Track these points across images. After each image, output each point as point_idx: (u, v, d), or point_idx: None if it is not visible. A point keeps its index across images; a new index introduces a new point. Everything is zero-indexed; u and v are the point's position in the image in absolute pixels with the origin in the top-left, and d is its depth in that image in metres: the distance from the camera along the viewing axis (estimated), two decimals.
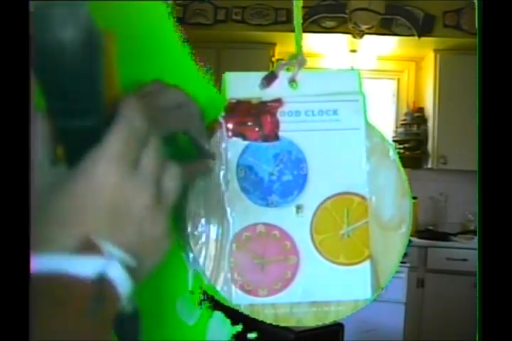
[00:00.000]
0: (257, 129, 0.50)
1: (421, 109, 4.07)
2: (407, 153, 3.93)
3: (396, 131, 4.12)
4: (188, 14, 3.71)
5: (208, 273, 0.49)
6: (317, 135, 0.51)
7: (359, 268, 0.51)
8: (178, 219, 0.50)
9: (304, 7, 0.52)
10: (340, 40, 3.82)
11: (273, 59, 3.90)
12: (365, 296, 0.51)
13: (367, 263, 0.51)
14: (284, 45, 3.84)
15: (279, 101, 0.51)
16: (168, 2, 0.51)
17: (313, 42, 3.77)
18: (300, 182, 0.51)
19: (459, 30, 3.61)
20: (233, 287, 0.49)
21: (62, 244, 0.31)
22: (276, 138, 0.50)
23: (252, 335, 0.57)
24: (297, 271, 0.50)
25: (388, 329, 3.26)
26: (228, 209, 0.50)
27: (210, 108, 0.50)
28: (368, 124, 0.52)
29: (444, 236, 3.68)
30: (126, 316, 0.34)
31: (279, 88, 0.51)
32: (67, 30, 0.27)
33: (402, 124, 4.09)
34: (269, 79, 0.51)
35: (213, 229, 0.49)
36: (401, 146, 3.95)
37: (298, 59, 0.51)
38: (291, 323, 0.51)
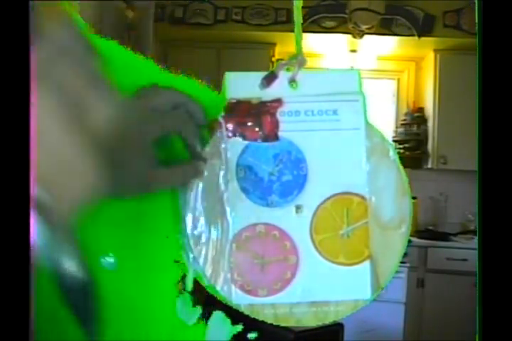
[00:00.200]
0: (256, 129, 0.50)
1: (421, 109, 4.07)
2: (407, 153, 3.94)
3: (396, 131, 4.13)
4: (188, 14, 3.72)
5: (207, 273, 0.49)
6: (317, 135, 0.51)
7: (359, 268, 0.51)
8: (178, 219, 0.50)
9: (303, 7, 0.52)
10: (340, 40, 3.82)
11: (273, 59, 3.91)
12: (365, 296, 0.51)
13: (367, 263, 0.51)
14: (284, 45, 3.85)
15: (279, 101, 0.51)
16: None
17: (313, 42, 3.77)
18: (300, 182, 0.51)
19: (459, 30, 3.61)
20: (233, 287, 0.49)
21: None
22: (276, 138, 0.50)
23: (252, 335, 0.57)
24: (297, 271, 0.50)
25: (388, 329, 3.26)
26: (228, 209, 0.50)
27: (211, 109, 0.50)
28: (367, 124, 0.52)
29: (444, 236, 3.69)
30: (74, 281, 0.31)
31: (279, 88, 0.51)
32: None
33: (402, 124, 4.10)
34: (269, 79, 0.51)
35: (213, 229, 0.49)
36: (401, 146, 3.96)
37: (298, 59, 0.51)
38: (290, 323, 0.51)
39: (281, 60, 0.54)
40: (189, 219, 0.49)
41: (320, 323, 0.50)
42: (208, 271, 0.49)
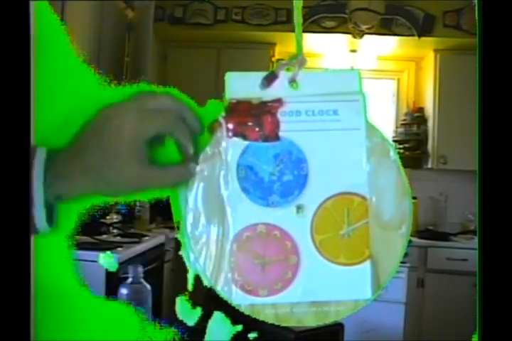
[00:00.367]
0: (257, 129, 0.50)
1: (421, 109, 4.07)
2: (407, 153, 3.93)
3: (396, 131, 4.12)
4: (188, 14, 3.72)
5: (208, 273, 0.49)
6: (317, 135, 0.51)
7: (359, 268, 0.51)
8: (179, 219, 0.50)
9: (304, 7, 0.52)
10: (340, 40, 3.82)
11: (273, 59, 3.90)
12: (365, 296, 0.51)
13: (367, 263, 0.51)
14: (284, 45, 3.85)
15: (279, 102, 0.51)
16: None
17: (313, 42, 3.77)
18: (300, 182, 0.51)
19: (459, 30, 3.61)
20: (234, 287, 0.49)
21: None
22: (277, 138, 0.50)
23: (252, 335, 0.57)
24: (297, 271, 0.50)
25: (388, 329, 3.26)
26: (228, 210, 0.50)
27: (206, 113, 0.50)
28: (368, 124, 0.52)
29: (444, 236, 3.68)
30: None
31: (279, 88, 0.51)
32: None
33: (402, 124, 4.09)
34: (270, 79, 0.51)
35: (213, 230, 0.49)
36: (401, 146, 3.95)
37: (298, 59, 0.51)
38: (291, 323, 0.51)
39: (282, 60, 0.54)
40: (190, 219, 0.49)
41: (320, 323, 0.50)
42: (209, 271, 0.49)
